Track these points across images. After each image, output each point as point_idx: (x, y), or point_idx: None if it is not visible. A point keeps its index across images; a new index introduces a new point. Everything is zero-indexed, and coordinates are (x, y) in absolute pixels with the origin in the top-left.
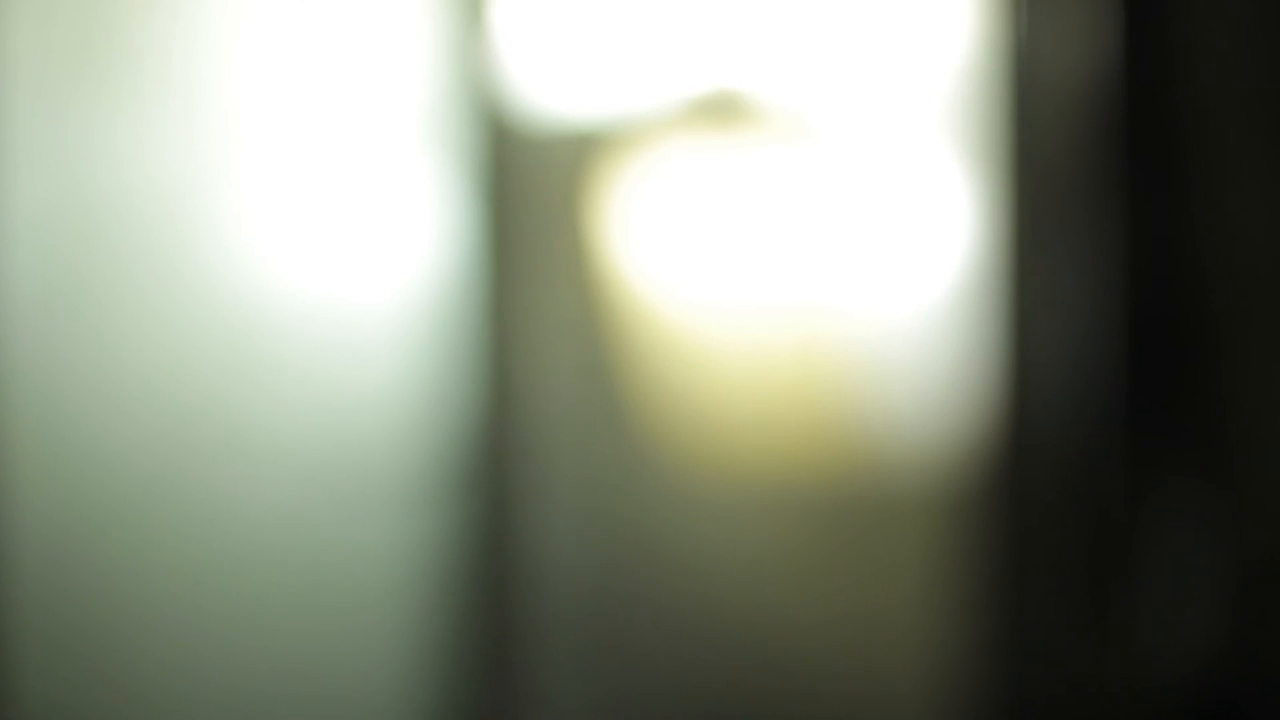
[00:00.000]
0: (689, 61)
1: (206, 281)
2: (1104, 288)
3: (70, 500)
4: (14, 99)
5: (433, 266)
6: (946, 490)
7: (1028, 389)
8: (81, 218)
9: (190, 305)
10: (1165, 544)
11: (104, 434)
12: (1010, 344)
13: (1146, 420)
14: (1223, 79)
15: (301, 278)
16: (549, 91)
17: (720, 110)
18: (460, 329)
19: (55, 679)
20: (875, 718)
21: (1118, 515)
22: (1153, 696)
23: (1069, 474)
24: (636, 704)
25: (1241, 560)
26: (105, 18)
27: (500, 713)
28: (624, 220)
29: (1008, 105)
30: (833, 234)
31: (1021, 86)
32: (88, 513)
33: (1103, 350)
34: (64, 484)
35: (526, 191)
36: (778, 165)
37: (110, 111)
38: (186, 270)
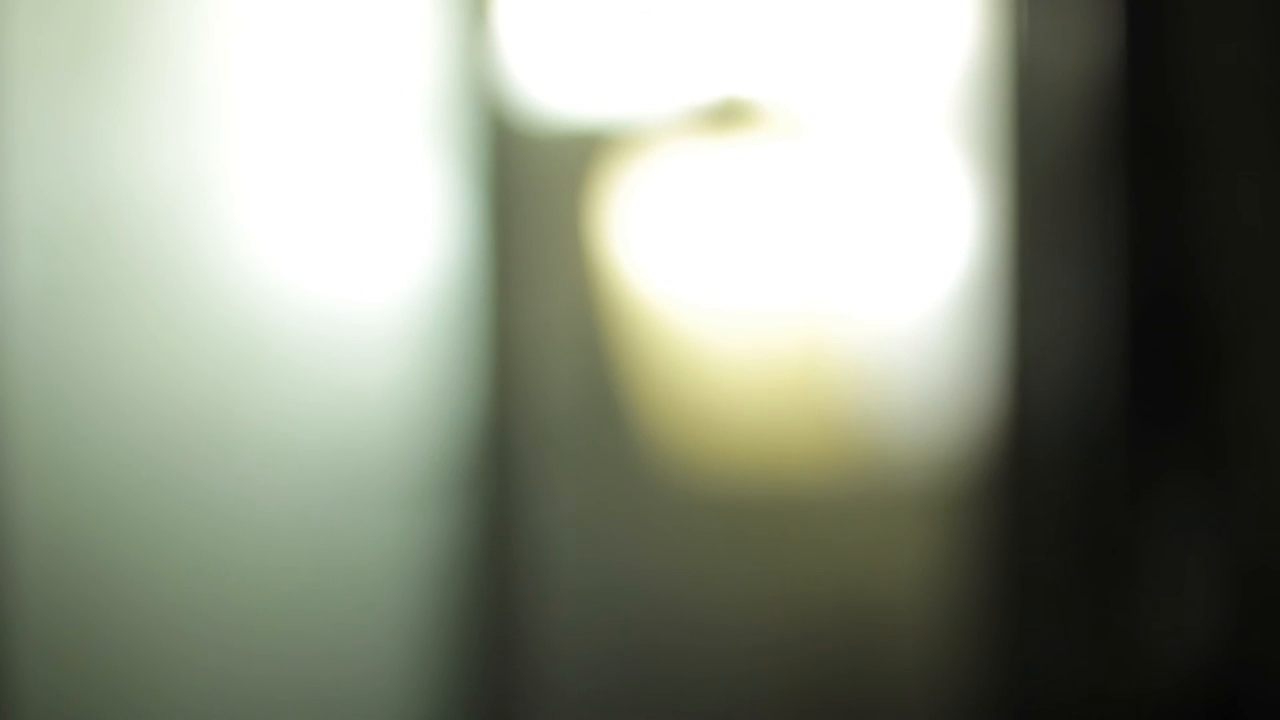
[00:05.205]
0: (690, 63)
1: (207, 280)
2: (1105, 287)
3: (71, 499)
4: (14, 99)
5: (435, 266)
6: (948, 490)
7: (1029, 388)
8: (81, 217)
9: (191, 304)
10: (1166, 543)
11: (104, 433)
12: (1011, 343)
13: (1147, 419)
14: (1223, 79)
15: (303, 276)
16: (551, 91)
17: (722, 112)
18: (462, 328)
19: (56, 678)
20: (877, 717)
21: (1119, 514)
22: (1153, 696)
23: (1070, 474)
24: (637, 702)
25: (1242, 559)
26: (104, 18)
27: (501, 711)
28: (626, 221)
29: (1009, 107)
30: (835, 235)
31: (1022, 88)
32: (88, 512)
33: (1103, 350)
34: (65, 483)
35: (529, 191)
36: (778, 166)
37: (110, 111)
38: (187, 269)
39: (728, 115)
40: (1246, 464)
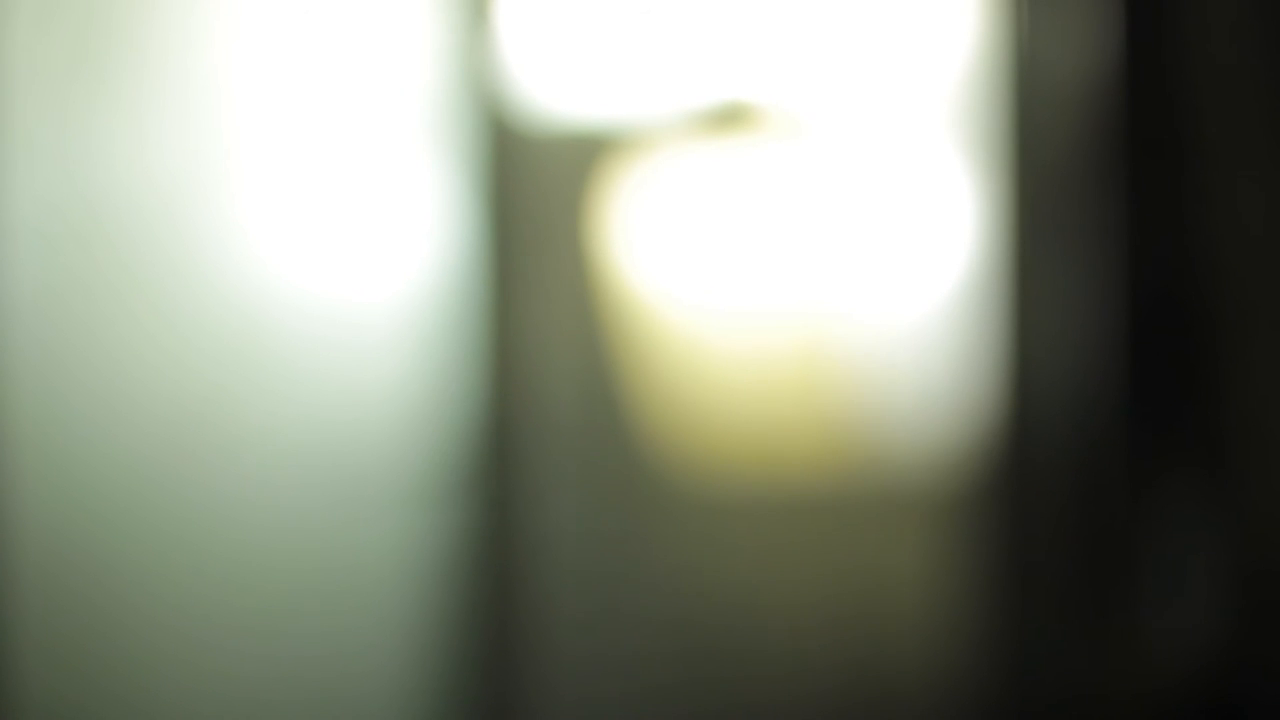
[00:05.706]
0: (691, 63)
1: (207, 281)
2: (1105, 288)
3: (71, 500)
4: (14, 99)
5: (435, 267)
6: (948, 491)
7: (1029, 390)
8: (81, 217)
9: (191, 305)
10: (1166, 544)
11: (104, 434)
12: (1012, 344)
13: (1147, 420)
14: (1223, 78)
15: (303, 277)
16: (552, 92)
17: (723, 114)
18: (462, 329)
19: (56, 679)
20: (878, 717)
21: (1119, 515)
22: (1153, 696)
23: (1071, 475)
24: (637, 704)
25: (1242, 560)
26: (104, 18)
27: (501, 711)
28: (626, 222)
29: (1009, 107)
30: (835, 236)
31: (1023, 88)
32: (88, 512)
33: (1104, 350)
34: (64, 484)
35: (529, 192)
36: (779, 167)
37: (110, 111)
38: (187, 270)
39: (728, 117)
40: (1246, 464)
